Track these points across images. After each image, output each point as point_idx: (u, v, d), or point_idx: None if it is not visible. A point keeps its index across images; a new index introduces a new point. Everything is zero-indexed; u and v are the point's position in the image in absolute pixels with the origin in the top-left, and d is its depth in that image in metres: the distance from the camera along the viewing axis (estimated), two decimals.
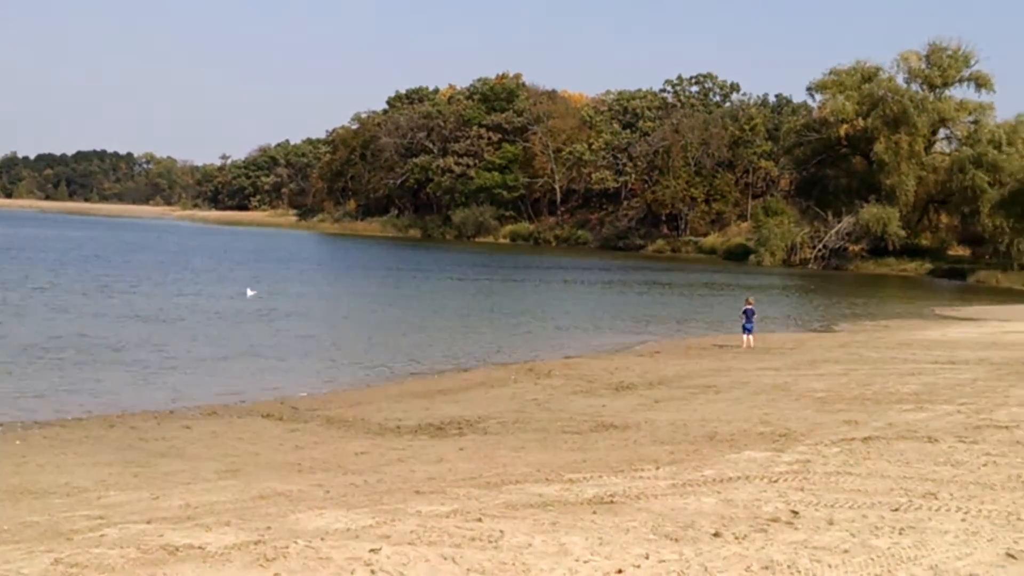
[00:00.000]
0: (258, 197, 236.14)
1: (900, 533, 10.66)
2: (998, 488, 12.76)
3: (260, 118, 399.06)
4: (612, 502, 12.11)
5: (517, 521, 11.11)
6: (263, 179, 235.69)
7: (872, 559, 9.77)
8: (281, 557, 9.57)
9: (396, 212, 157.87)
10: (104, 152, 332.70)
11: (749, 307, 34.86)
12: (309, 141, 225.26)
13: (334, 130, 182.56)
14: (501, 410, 21.65)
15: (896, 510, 11.64)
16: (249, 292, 47.66)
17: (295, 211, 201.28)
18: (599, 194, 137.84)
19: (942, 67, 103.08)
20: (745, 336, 34.46)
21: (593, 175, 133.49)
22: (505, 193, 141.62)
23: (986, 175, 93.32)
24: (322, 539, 10.25)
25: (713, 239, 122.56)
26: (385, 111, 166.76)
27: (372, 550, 9.83)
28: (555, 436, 18.44)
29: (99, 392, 23.28)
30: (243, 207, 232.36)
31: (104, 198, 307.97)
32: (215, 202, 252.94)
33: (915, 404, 20.66)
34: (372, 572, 9.24)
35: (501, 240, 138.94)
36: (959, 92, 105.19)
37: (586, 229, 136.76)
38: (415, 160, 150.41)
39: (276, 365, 28.68)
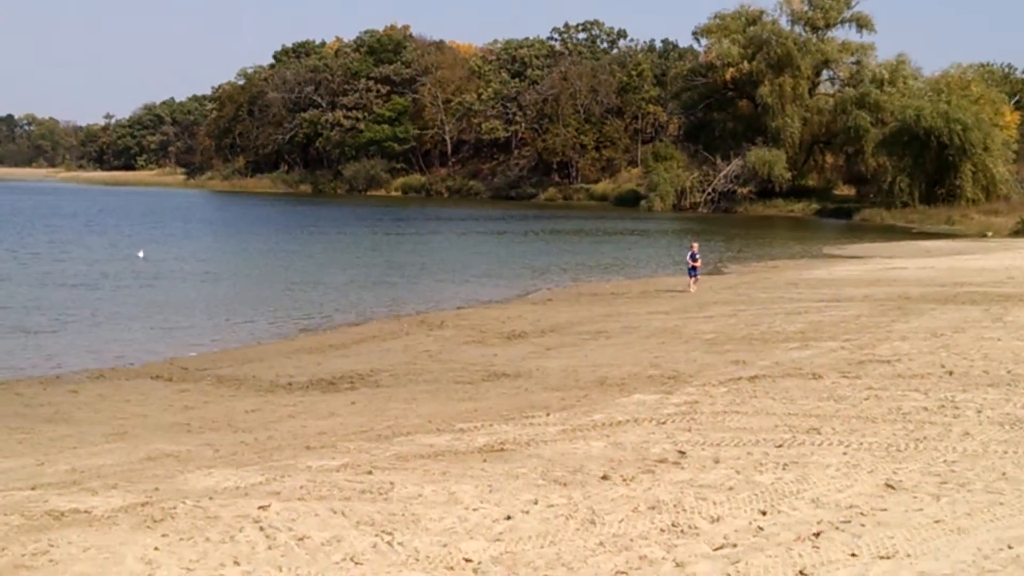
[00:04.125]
0: (144, 156, 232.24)
1: (783, 468, 10.85)
2: (879, 421, 13.03)
3: (143, 76, 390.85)
4: (503, 450, 12.19)
5: (408, 472, 11.14)
6: (149, 138, 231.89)
7: (756, 495, 9.94)
8: (169, 518, 9.49)
9: (286, 168, 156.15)
10: None
11: (693, 251, 35.12)
12: (195, 98, 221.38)
13: (220, 86, 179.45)
14: (393, 363, 21.65)
15: (780, 446, 11.84)
16: (140, 253, 46.90)
17: (183, 169, 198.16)
18: (490, 144, 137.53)
19: (824, 8, 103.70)
20: (690, 278, 34.94)
21: (483, 125, 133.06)
22: (395, 145, 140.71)
23: (869, 115, 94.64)
24: (210, 498, 10.18)
25: (604, 186, 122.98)
26: (272, 66, 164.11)
27: (261, 507, 9.80)
28: (447, 387, 18.49)
29: None
30: (129, 167, 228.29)
31: None
32: (100, 163, 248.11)
33: (801, 342, 21.03)
34: (261, 529, 9.19)
35: (393, 193, 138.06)
36: (841, 33, 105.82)
37: (478, 179, 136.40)
38: (303, 115, 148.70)
39: (167, 325, 28.28)
